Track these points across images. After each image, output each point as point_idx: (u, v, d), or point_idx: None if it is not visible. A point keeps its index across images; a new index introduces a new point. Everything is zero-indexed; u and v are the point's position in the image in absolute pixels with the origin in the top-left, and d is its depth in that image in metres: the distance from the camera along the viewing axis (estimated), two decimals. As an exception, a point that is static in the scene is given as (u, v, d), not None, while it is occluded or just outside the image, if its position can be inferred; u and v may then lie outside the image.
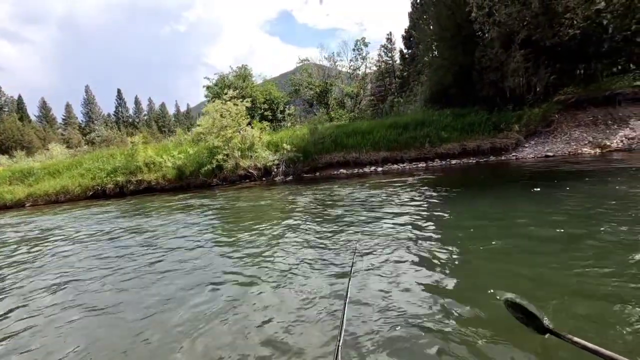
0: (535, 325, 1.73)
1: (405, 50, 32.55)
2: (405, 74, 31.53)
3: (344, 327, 1.33)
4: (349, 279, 2.34)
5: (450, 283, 2.71)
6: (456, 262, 3.13)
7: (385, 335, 2.07)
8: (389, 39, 36.52)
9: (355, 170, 12.77)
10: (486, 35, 12.34)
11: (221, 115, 13.58)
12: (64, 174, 14.12)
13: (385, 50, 36.65)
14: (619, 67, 13.51)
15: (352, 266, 2.69)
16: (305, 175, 13.27)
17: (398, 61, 35.03)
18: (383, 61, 36.40)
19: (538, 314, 1.75)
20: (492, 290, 2.44)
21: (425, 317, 2.22)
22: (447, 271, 2.94)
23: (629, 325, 1.91)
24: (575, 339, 1.39)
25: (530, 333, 1.76)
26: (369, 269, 3.10)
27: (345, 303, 1.70)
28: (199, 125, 14.67)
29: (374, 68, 32.66)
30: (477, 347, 1.88)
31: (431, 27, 15.94)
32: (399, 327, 2.14)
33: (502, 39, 12.12)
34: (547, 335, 1.69)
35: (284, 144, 13.48)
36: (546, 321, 1.74)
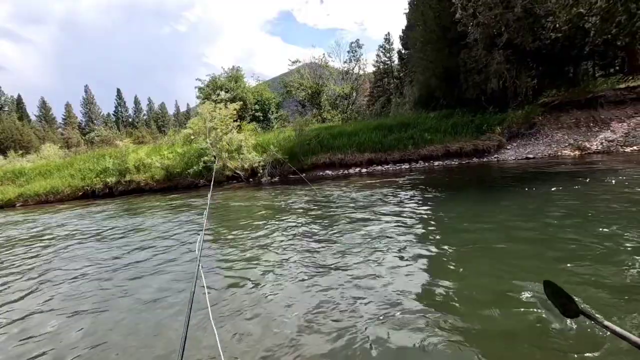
0: (569, 306, 1.82)
1: (403, 51, 32.67)
2: (401, 74, 31.63)
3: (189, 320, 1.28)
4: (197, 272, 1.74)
5: (446, 282, 2.84)
6: (452, 262, 3.24)
7: (382, 335, 2.20)
8: (387, 40, 36.64)
9: (341, 172, 12.90)
10: (470, 36, 12.40)
11: (211, 116, 13.71)
12: (54, 174, 14.33)
13: (383, 51, 36.77)
14: (616, 68, 13.53)
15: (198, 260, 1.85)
16: (291, 176, 13.40)
17: (396, 62, 35.13)
18: (381, 61, 36.50)
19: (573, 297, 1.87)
20: (488, 288, 2.60)
21: (424, 315, 2.36)
22: (444, 270, 3.09)
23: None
24: (606, 322, 1.45)
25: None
26: (364, 267, 3.29)
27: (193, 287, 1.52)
28: (189, 127, 14.82)
29: (372, 68, 32.73)
30: (477, 346, 2.03)
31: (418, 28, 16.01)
32: (397, 325, 2.28)
33: (485, 41, 12.21)
34: (579, 317, 1.80)
35: (271, 146, 13.63)
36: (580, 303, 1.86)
